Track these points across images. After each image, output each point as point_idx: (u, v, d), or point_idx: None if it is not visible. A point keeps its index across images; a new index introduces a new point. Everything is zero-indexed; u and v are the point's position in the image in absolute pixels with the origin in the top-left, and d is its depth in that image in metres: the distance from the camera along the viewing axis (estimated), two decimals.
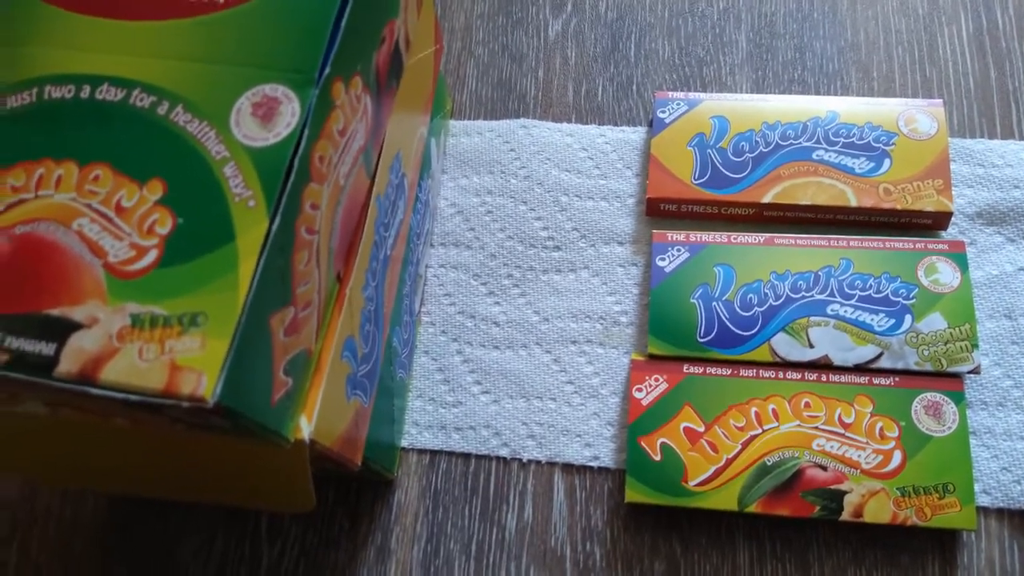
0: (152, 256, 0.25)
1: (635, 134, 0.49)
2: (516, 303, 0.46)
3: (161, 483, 0.40)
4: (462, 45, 0.54)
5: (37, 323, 0.24)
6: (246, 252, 0.25)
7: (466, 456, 0.43)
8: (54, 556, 0.42)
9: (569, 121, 0.51)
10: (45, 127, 0.27)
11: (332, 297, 0.32)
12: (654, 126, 0.47)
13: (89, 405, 0.31)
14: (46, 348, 0.24)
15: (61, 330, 0.24)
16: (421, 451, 0.44)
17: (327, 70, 0.27)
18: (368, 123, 0.32)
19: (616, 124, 0.50)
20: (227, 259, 0.25)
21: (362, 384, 0.35)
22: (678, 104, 0.48)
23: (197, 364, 0.24)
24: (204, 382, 0.23)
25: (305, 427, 0.30)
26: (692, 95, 0.48)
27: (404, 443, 0.44)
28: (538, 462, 0.43)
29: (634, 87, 0.51)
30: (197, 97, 0.27)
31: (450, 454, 0.43)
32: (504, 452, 0.43)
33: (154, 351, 0.24)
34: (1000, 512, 0.39)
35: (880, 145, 0.45)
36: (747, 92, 0.50)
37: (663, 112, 0.47)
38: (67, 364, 0.24)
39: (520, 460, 0.43)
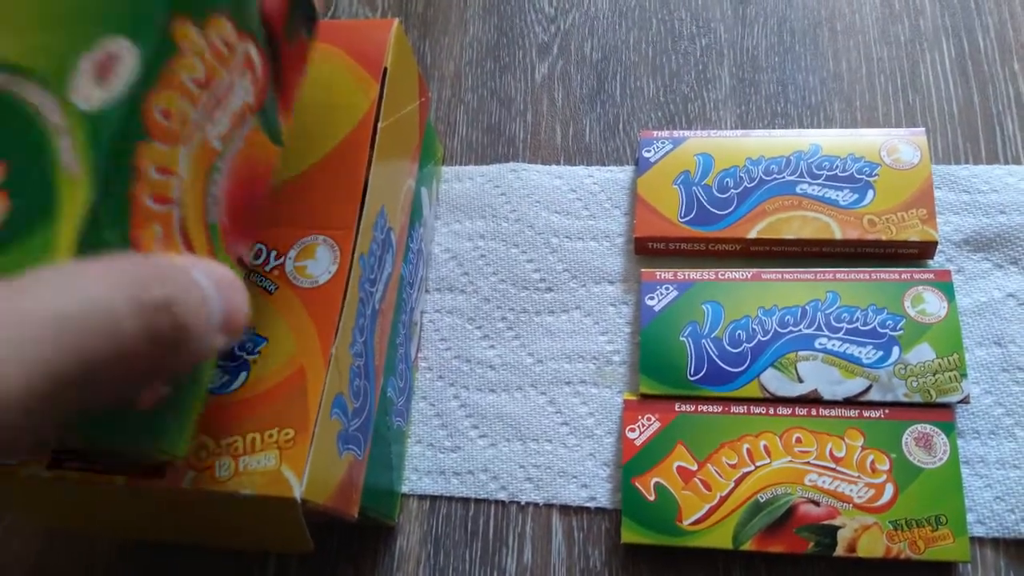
0: None
1: (622, 173, 0.50)
2: (510, 345, 0.47)
3: (168, 530, 0.41)
4: (451, 92, 0.55)
5: None
6: (65, 233, 0.22)
7: (465, 500, 0.44)
8: None
9: (558, 163, 0.51)
10: None
11: None
12: (640, 165, 0.48)
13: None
14: None
15: None
16: (422, 496, 0.44)
17: (161, 8, 0.24)
18: (259, 79, 0.29)
19: (604, 164, 0.51)
20: (45, 244, 0.22)
21: (355, 438, 0.36)
22: (663, 143, 0.48)
23: None
24: None
25: (296, 486, 0.31)
26: (676, 133, 0.49)
27: (404, 489, 0.44)
28: (536, 504, 0.43)
29: (620, 126, 0.52)
30: (41, 64, 0.24)
31: (450, 499, 0.44)
32: (502, 495, 0.43)
33: None
34: (995, 542, 0.39)
35: (863, 176, 0.45)
36: (732, 127, 0.51)
37: (648, 151, 0.48)
38: None
39: (518, 503, 0.43)
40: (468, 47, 0.56)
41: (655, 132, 0.49)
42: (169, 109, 0.25)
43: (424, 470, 0.45)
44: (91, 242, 0.22)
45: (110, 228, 0.23)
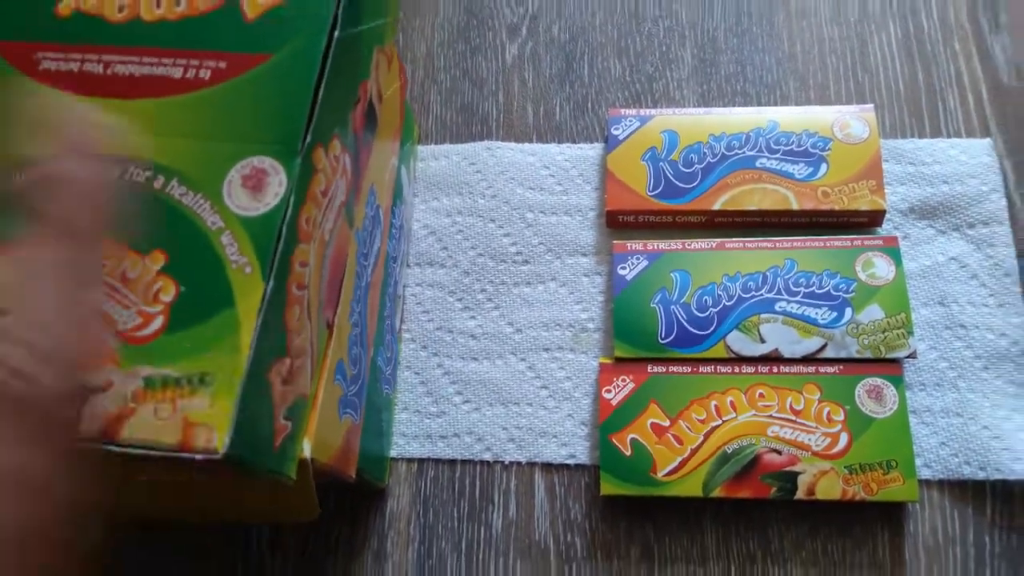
0: (159, 323, 0.27)
1: (592, 150, 0.53)
2: (490, 316, 0.49)
3: (174, 510, 0.42)
4: (425, 73, 0.57)
5: None
6: (245, 315, 0.27)
7: (452, 462, 0.46)
8: None
9: (530, 141, 0.54)
10: None
11: (323, 343, 0.35)
12: (609, 143, 0.51)
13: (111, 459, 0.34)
14: None
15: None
16: (410, 460, 0.47)
17: (308, 139, 0.30)
18: (348, 179, 0.35)
19: (575, 142, 0.53)
20: (229, 323, 0.27)
21: (352, 403, 0.39)
22: (630, 121, 0.51)
23: (207, 420, 0.26)
24: (215, 436, 0.26)
25: (306, 446, 0.33)
26: (643, 112, 0.51)
27: (393, 453, 0.47)
28: (519, 463, 0.46)
29: (589, 105, 0.54)
30: (190, 171, 0.29)
31: (437, 461, 0.47)
32: (487, 456, 0.46)
33: (167, 410, 0.26)
34: (941, 483, 0.43)
35: (817, 151, 0.48)
36: (694, 105, 0.54)
37: (617, 129, 0.51)
38: (90, 424, 0.26)
39: (502, 463, 0.46)
40: (439, 28, 0.58)
41: (623, 110, 0.52)
42: (309, 217, 0.31)
43: (411, 435, 0.47)
44: (264, 325, 0.28)
45: (276, 313, 0.29)
